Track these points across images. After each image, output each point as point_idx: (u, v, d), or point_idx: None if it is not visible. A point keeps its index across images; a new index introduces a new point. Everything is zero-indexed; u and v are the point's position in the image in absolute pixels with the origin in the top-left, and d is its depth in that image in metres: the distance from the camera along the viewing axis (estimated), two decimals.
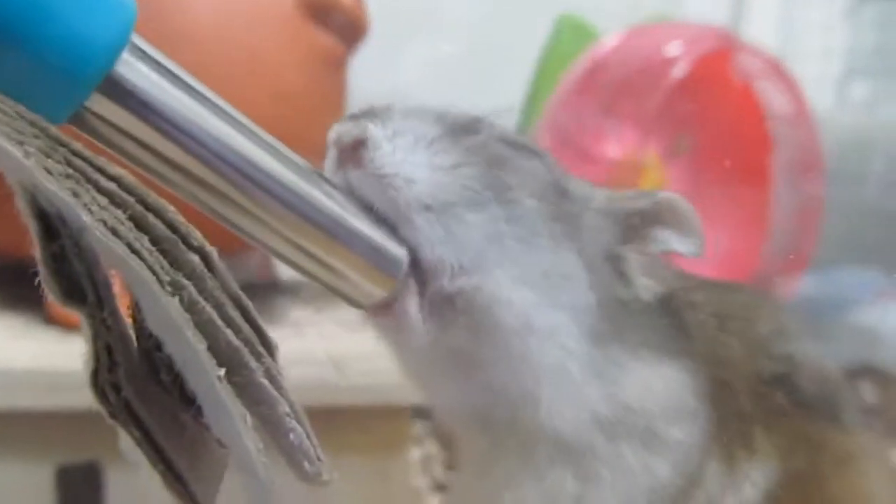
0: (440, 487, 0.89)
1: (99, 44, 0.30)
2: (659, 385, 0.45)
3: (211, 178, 0.34)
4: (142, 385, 0.31)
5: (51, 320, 0.74)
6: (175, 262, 0.30)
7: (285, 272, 0.80)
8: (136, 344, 0.31)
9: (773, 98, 1.07)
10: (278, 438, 0.32)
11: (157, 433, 0.31)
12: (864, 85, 1.42)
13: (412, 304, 0.41)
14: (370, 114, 0.42)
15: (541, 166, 0.45)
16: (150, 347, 0.31)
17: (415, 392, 0.50)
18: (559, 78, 1.08)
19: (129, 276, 0.28)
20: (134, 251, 0.28)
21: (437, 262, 0.41)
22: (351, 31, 0.86)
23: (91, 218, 0.28)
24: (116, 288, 0.30)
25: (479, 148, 0.43)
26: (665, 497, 0.45)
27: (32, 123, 0.28)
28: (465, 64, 1.21)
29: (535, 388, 0.43)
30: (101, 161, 0.30)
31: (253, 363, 0.31)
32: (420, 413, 0.77)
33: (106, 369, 0.30)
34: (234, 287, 0.32)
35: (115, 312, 0.30)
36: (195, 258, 0.31)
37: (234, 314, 0.31)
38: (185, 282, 0.30)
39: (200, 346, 0.29)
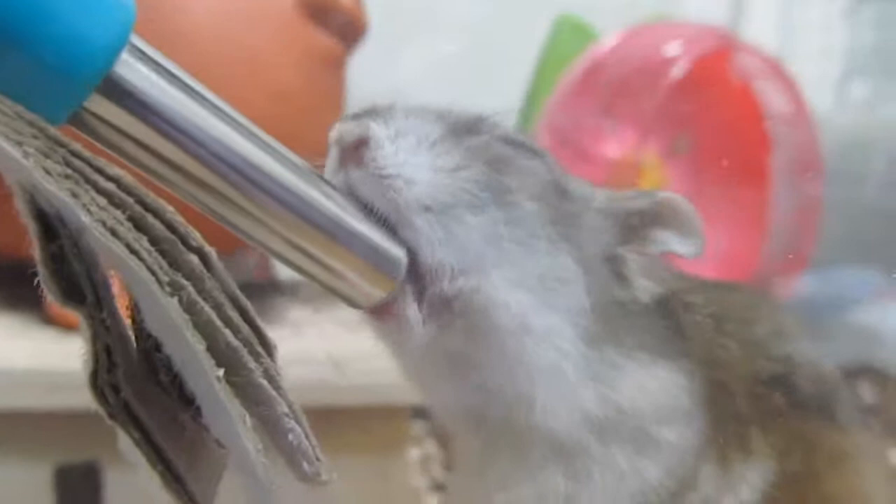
0: (439, 487, 0.89)
1: (98, 44, 0.30)
2: (653, 387, 0.45)
3: (210, 178, 0.34)
4: (141, 385, 0.31)
5: (50, 320, 0.74)
6: (174, 263, 0.30)
7: (284, 272, 0.80)
8: (135, 344, 0.31)
9: (773, 98, 1.08)
10: (277, 439, 0.32)
11: (156, 433, 0.31)
12: (864, 85, 1.42)
13: (411, 306, 0.41)
14: (372, 113, 0.42)
15: (542, 166, 0.45)
16: (150, 348, 0.31)
17: (414, 392, 0.50)
18: (558, 78, 1.08)
19: (128, 276, 0.28)
20: (133, 251, 0.29)
21: (437, 264, 0.41)
22: (350, 31, 0.86)
23: (90, 218, 0.28)
24: (115, 288, 0.30)
25: (481, 149, 0.43)
26: (655, 499, 0.45)
27: (31, 124, 0.28)
28: (464, 64, 1.21)
29: (529, 388, 0.43)
30: (101, 161, 0.30)
31: (252, 363, 0.31)
32: (419, 413, 0.78)
33: (105, 370, 0.30)
34: (233, 287, 0.32)
35: (114, 313, 0.30)
36: (194, 258, 0.31)
37: (233, 314, 0.31)
38: (184, 282, 0.30)
39: (199, 346, 0.29)
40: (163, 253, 0.30)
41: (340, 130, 0.42)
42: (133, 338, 0.31)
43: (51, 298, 0.29)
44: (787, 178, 1.07)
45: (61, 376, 0.65)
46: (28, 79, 0.29)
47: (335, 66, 0.86)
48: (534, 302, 0.42)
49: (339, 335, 0.79)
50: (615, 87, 1.03)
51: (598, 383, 0.44)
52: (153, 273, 0.29)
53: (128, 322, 0.31)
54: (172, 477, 0.31)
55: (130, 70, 0.32)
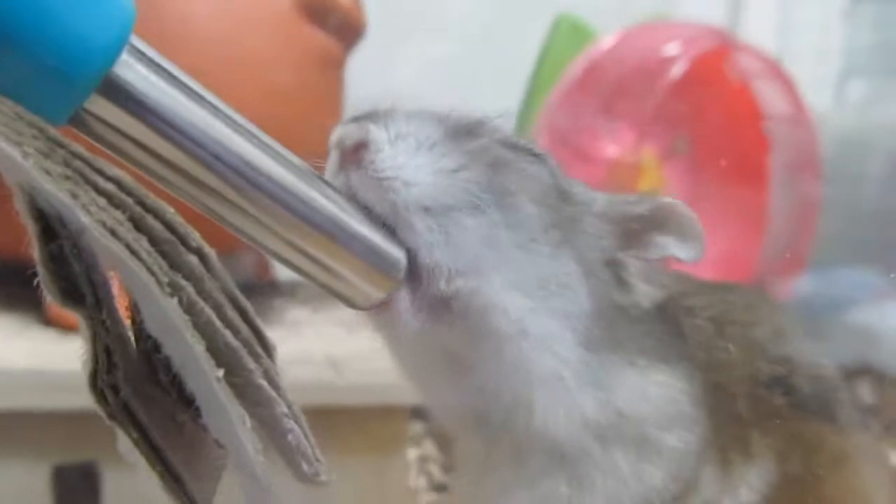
0: (437, 487, 0.89)
1: (98, 45, 0.30)
2: (654, 391, 0.45)
3: (209, 179, 0.34)
4: (140, 386, 0.31)
5: (49, 321, 0.74)
6: (174, 263, 0.30)
7: (283, 272, 0.80)
8: (134, 345, 0.31)
9: (771, 98, 1.08)
10: (276, 439, 0.32)
11: (155, 434, 0.31)
12: (862, 84, 1.42)
13: (405, 298, 0.41)
14: (373, 116, 0.42)
15: (542, 170, 0.45)
16: (149, 348, 0.31)
17: (412, 392, 0.50)
18: (557, 78, 1.08)
19: (128, 277, 0.28)
20: (133, 252, 0.29)
21: (435, 266, 0.41)
22: (348, 32, 0.86)
23: (90, 219, 0.28)
24: (115, 289, 0.30)
25: (481, 151, 0.43)
26: (658, 503, 0.45)
27: (31, 124, 0.28)
28: (462, 64, 1.21)
29: (528, 393, 0.43)
30: (100, 162, 0.30)
31: (251, 364, 0.31)
32: (417, 413, 0.78)
33: (104, 370, 0.30)
34: (233, 288, 0.32)
35: (113, 313, 0.30)
36: (194, 259, 0.31)
37: (233, 315, 0.31)
38: (184, 283, 0.30)
39: (199, 346, 0.29)
40: (163, 254, 0.30)
41: (340, 133, 0.42)
42: (133, 338, 0.31)
43: (50, 299, 0.29)
44: (785, 178, 1.07)
45: (60, 377, 0.65)
46: (28, 79, 0.29)
47: (334, 67, 0.86)
48: (532, 306, 0.42)
49: (337, 336, 0.79)
50: (614, 87, 1.03)
51: (598, 389, 0.44)
52: (153, 274, 0.29)
53: (127, 323, 0.31)
54: (171, 477, 0.31)
55: (130, 71, 0.32)
